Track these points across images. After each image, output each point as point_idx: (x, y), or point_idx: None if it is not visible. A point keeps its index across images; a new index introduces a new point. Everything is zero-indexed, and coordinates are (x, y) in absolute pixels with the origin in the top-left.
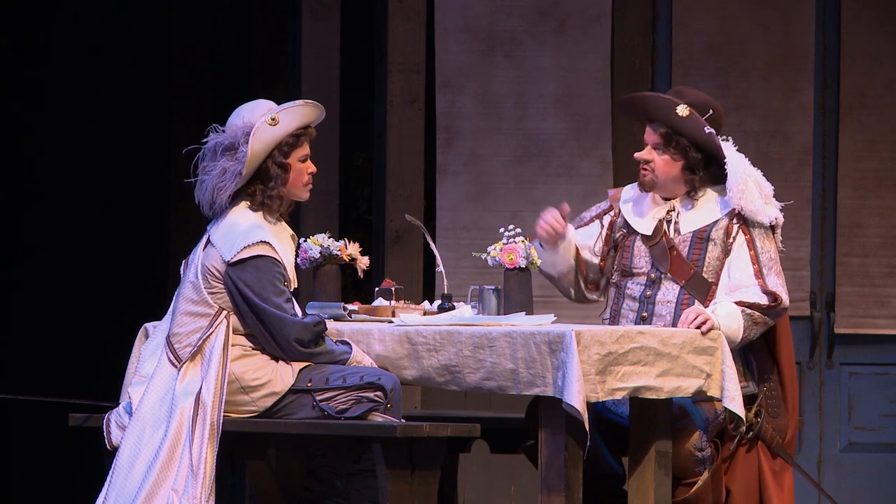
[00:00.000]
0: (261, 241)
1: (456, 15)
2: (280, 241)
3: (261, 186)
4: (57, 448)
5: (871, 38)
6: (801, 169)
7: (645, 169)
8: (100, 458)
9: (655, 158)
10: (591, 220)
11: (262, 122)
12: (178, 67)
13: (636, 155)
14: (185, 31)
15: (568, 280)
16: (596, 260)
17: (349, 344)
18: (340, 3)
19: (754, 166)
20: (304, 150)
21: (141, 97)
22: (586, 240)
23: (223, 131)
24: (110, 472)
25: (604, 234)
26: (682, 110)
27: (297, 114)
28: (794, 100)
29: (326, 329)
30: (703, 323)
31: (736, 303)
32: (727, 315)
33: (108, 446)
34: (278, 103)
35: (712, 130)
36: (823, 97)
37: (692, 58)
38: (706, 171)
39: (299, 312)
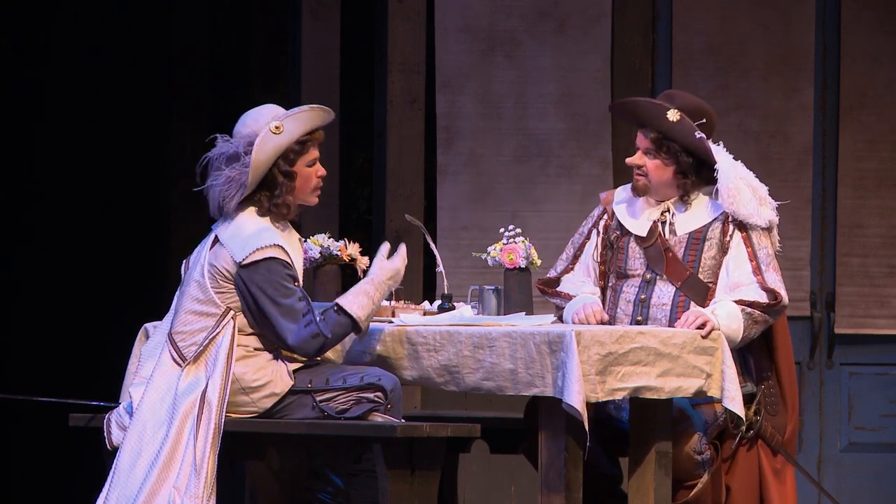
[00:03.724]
0: (273, 244)
1: (456, 15)
2: (290, 246)
3: (267, 194)
4: (57, 448)
5: (871, 38)
6: (801, 169)
7: (638, 174)
8: (100, 458)
9: (647, 163)
10: (590, 233)
11: (266, 131)
12: (178, 67)
13: (628, 161)
14: (185, 31)
15: None
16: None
17: (349, 314)
18: (340, 3)
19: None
20: (312, 154)
21: (141, 97)
22: (593, 258)
23: (228, 140)
24: (111, 472)
25: (600, 240)
26: (673, 115)
27: (303, 120)
28: (794, 100)
29: (326, 340)
30: (704, 325)
31: (735, 302)
32: (727, 315)
33: (108, 446)
34: (279, 104)
35: (702, 135)
36: (823, 97)
37: (692, 58)
38: (698, 174)
39: (315, 312)
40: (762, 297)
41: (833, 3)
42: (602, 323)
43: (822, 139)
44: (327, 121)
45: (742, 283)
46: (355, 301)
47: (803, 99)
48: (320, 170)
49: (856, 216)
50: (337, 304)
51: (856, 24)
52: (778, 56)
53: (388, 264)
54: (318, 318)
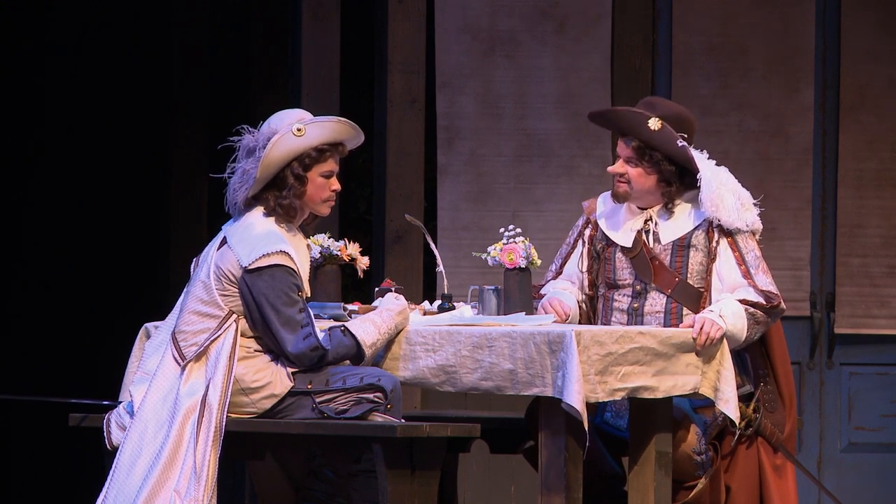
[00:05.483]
0: (280, 251)
1: (456, 15)
2: (297, 251)
3: (275, 193)
4: (57, 448)
5: (871, 38)
6: (801, 169)
7: (620, 181)
8: (100, 458)
9: (629, 171)
10: (575, 243)
11: (287, 130)
12: (178, 67)
13: (609, 169)
14: (185, 31)
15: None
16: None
17: (355, 337)
18: (340, 4)
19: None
20: (329, 166)
21: (141, 97)
22: (578, 268)
23: (252, 133)
24: (111, 472)
25: (586, 250)
26: (654, 124)
27: (326, 128)
28: (794, 100)
29: (326, 353)
30: (712, 333)
31: (739, 301)
32: (732, 314)
33: (108, 446)
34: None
35: (685, 143)
36: (823, 97)
37: (692, 58)
38: (681, 181)
39: (315, 324)
40: (761, 299)
41: (833, 3)
42: (565, 315)
43: (822, 139)
44: (355, 138)
45: (736, 287)
46: (361, 326)
47: (803, 99)
48: (335, 184)
49: (856, 216)
50: (344, 326)
51: (856, 24)
52: (778, 56)
53: (399, 301)
54: (318, 333)
